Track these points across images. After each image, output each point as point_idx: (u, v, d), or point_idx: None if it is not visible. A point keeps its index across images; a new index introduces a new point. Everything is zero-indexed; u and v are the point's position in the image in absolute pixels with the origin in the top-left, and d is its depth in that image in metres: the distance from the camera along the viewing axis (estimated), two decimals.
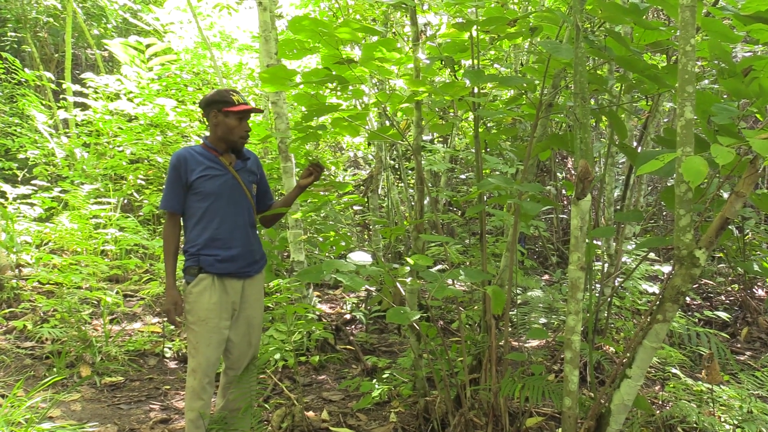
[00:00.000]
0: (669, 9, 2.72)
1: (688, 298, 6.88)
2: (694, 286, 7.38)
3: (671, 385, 4.23)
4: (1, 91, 10.52)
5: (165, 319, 5.91)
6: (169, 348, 5.27)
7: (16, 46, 12.12)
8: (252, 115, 3.31)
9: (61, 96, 10.05)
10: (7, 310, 5.61)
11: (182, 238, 3.24)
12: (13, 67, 9.80)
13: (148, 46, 8.48)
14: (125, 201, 8.50)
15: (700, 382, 4.08)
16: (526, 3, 5.87)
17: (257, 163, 3.39)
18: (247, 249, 3.17)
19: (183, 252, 3.15)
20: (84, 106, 8.89)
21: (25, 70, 9.78)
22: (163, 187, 3.20)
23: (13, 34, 11.93)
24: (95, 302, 5.94)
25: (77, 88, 8.99)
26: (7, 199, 7.26)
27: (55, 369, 4.64)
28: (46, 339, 5.11)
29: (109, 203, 7.48)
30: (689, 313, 6.32)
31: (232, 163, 3.19)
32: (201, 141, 3.24)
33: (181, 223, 3.20)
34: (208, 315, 3.03)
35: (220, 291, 3.07)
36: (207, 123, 3.22)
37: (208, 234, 3.07)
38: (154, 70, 8.52)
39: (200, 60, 8.94)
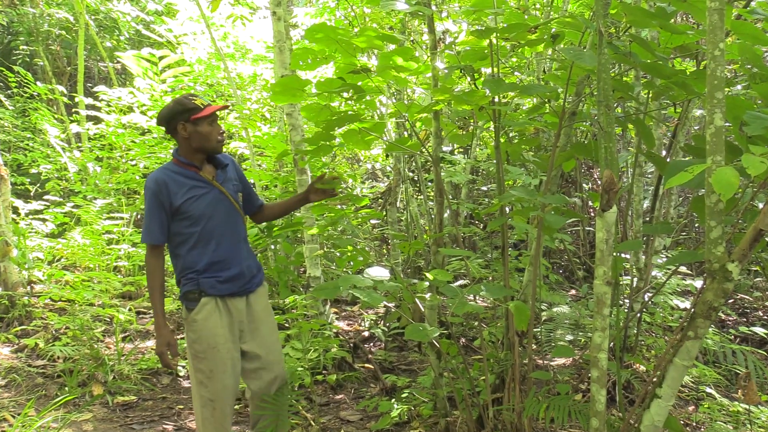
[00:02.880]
0: (696, 13, 2.71)
1: (722, 314, 6.77)
2: (729, 301, 7.27)
3: (706, 406, 4.16)
4: (14, 105, 10.71)
5: (179, 336, 5.94)
6: (183, 366, 5.29)
7: (28, 59, 12.35)
8: (221, 113, 3.20)
9: (73, 109, 10.20)
10: (18, 328, 5.67)
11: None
12: (26, 81, 9.98)
13: (161, 58, 8.59)
14: (138, 216, 8.58)
15: (736, 402, 4.01)
16: (548, 9, 5.87)
17: (235, 166, 3.25)
18: (246, 265, 3.09)
19: (178, 280, 3.04)
20: (97, 120, 9.01)
21: (38, 83, 9.95)
22: (144, 217, 3.01)
23: (25, 47, 12.16)
24: (108, 319, 5.99)
25: (90, 101, 9.13)
26: (19, 214, 7.37)
27: (66, 388, 4.68)
28: (58, 357, 5.15)
29: (122, 218, 7.57)
30: (724, 330, 6.22)
31: (214, 176, 3.05)
32: (172, 157, 3.07)
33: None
34: (218, 341, 2.93)
35: (225, 312, 2.99)
36: (175, 139, 3.05)
37: (207, 258, 2.96)
38: (168, 82, 8.62)
39: (214, 71, 9.02)
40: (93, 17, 11.85)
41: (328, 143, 3.54)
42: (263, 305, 3.20)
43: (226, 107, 3.13)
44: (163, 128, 3.05)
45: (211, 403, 2.94)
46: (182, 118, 2.93)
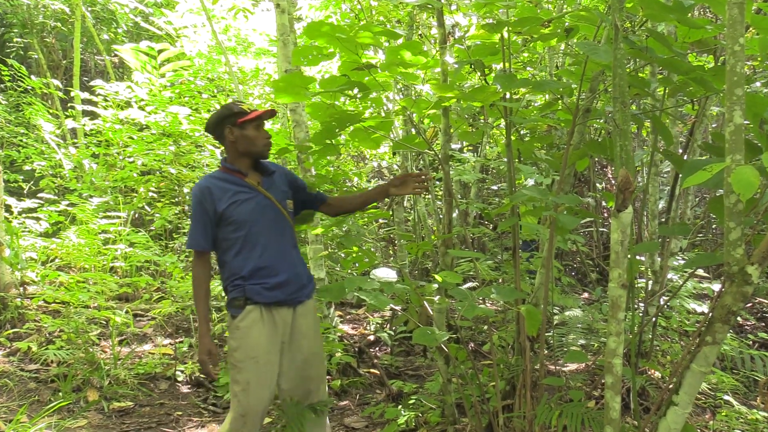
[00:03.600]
0: (715, 6, 2.71)
1: (741, 319, 6.77)
2: (748, 305, 7.26)
3: (723, 414, 4.16)
4: (7, 100, 10.76)
5: (178, 340, 5.97)
6: (182, 371, 5.31)
7: (22, 52, 12.39)
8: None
9: (69, 104, 10.26)
10: (10, 331, 5.70)
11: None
12: (19, 75, 10.02)
13: (160, 51, 8.62)
14: (136, 215, 8.61)
15: (755, 410, 4.01)
16: (561, 2, 5.87)
17: (285, 173, 3.31)
18: (294, 272, 3.08)
19: (225, 288, 3.09)
20: (93, 115, 9.04)
21: (32, 77, 9.99)
22: (189, 223, 3.11)
23: (19, 39, 12.20)
24: (104, 322, 6.01)
25: (86, 95, 9.17)
26: (12, 213, 7.40)
27: (60, 393, 4.70)
28: (52, 361, 5.17)
29: (118, 217, 7.59)
30: (742, 335, 6.22)
31: (259, 182, 3.10)
32: (220, 165, 3.18)
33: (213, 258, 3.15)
34: (258, 351, 2.94)
35: (270, 324, 2.98)
36: (222, 144, 3.16)
37: (252, 264, 2.98)
38: (167, 77, 8.65)
39: (215, 65, 9.05)
40: (90, 9, 11.91)
41: (332, 142, 3.55)
42: (311, 320, 3.19)
43: (273, 112, 3.17)
44: (211, 135, 3.19)
45: (242, 418, 2.93)
46: (229, 122, 3.05)
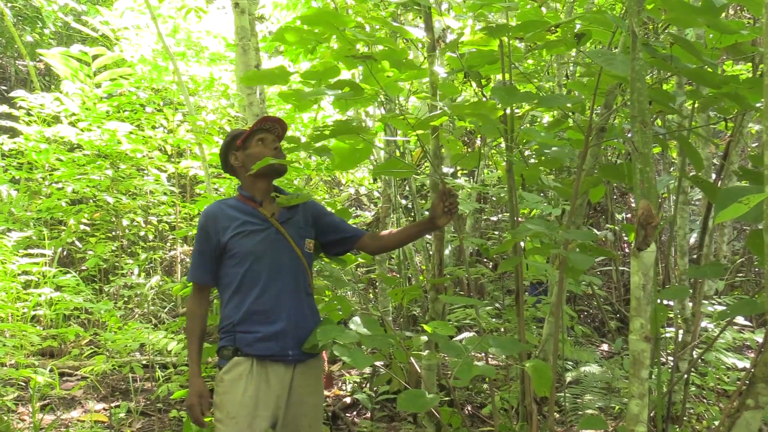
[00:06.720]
0: (752, 6, 2.77)
1: None
2: None
3: None
4: None
5: (114, 404, 5.89)
6: None
7: None
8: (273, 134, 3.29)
9: None
10: None
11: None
12: None
13: (95, 56, 8.60)
14: (64, 252, 8.53)
15: None
16: (571, 2, 5.96)
17: (309, 209, 3.36)
18: (295, 323, 3.07)
19: (219, 330, 3.14)
20: (13, 132, 8.98)
21: None
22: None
23: None
24: (22, 384, 5.92)
25: (4, 108, 9.12)
26: None
27: None
28: None
29: (43, 255, 7.52)
30: None
31: (274, 214, 3.18)
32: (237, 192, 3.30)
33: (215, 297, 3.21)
34: (239, 411, 2.93)
35: (259, 380, 2.98)
36: (237, 177, 3.31)
37: (246, 306, 3.03)
38: (103, 87, 8.63)
39: (161, 73, 9.05)
40: (10, 5, 11.90)
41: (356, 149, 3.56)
42: (312, 383, 3.20)
43: (276, 119, 3.27)
44: (228, 173, 3.37)
45: None
46: (232, 148, 3.24)
